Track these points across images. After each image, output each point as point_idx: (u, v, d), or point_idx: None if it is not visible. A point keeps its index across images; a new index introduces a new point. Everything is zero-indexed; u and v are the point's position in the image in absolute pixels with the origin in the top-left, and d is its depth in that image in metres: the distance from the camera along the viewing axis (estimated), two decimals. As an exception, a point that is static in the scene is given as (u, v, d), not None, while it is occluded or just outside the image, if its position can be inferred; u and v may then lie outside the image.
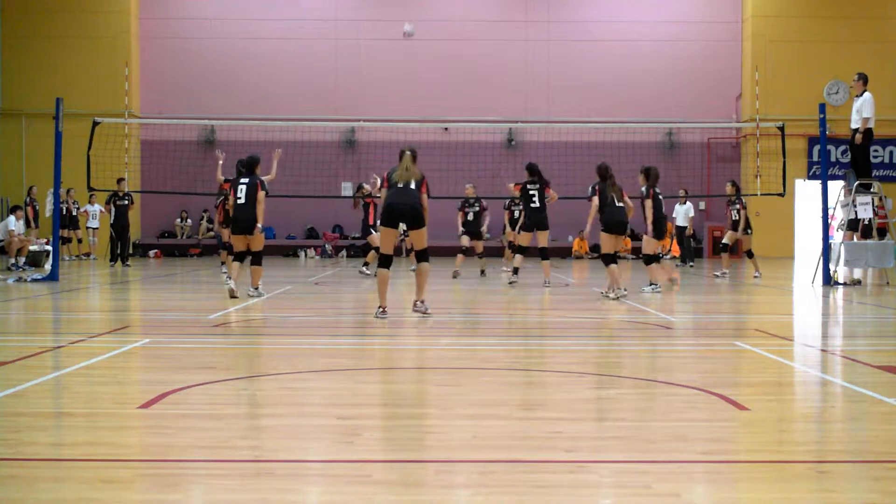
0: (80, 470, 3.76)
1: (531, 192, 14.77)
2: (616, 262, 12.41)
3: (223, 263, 16.49)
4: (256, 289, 12.07)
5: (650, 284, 13.09)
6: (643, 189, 13.36)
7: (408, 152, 9.90)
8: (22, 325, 9.36)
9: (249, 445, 4.16)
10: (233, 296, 11.68)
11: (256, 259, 12.09)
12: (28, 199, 22.73)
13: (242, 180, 12.08)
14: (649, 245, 13.38)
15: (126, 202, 21.07)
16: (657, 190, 13.42)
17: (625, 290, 12.33)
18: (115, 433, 4.43)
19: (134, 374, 6.29)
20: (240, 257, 12.10)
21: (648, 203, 13.22)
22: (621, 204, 12.48)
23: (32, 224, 21.92)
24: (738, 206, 17.33)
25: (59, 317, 9.98)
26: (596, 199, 12.48)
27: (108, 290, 14.27)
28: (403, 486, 3.58)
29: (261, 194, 11.92)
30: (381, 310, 9.56)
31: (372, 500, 3.39)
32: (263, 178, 12.29)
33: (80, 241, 24.52)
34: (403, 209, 9.58)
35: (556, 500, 3.41)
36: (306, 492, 3.55)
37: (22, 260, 18.61)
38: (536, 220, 14.66)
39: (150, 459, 3.98)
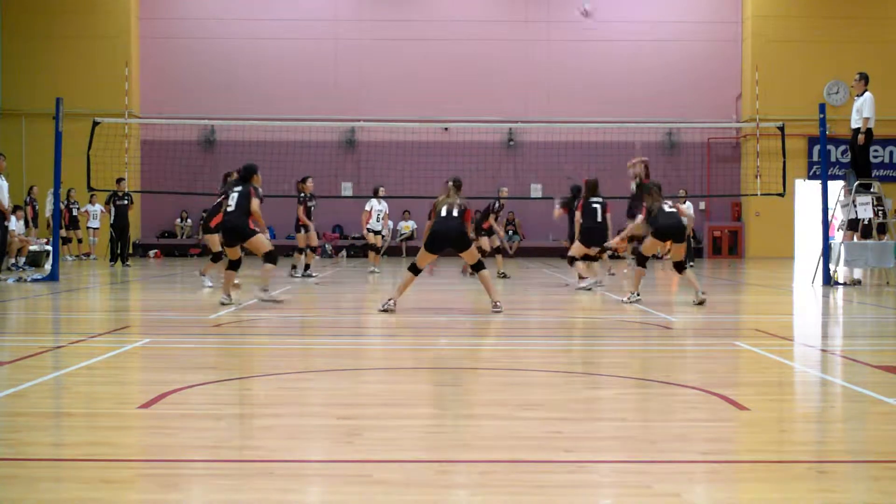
0: (80, 470, 3.76)
1: (594, 206, 14.24)
2: (645, 266, 11.84)
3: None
4: (266, 290, 11.24)
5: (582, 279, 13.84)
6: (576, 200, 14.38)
7: (450, 183, 10.83)
8: (22, 325, 9.36)
9: (249, 445, 4.16)
10: (224, 303, 10.94)
11: (270, 258, 11.27)
12: (28, 199, 22.74)
13: (236, 188, 11.47)
14: (577, 249, 14.09)
15: (126, 202, 21.11)
16: (591, 200, 14.11)
17: (637, 294, 11.68)
18: (115, 433, 4.43)
19: (134, 374, 6.29)
20: (234, 265, 11.35)
21: (577, 214, 14.19)
22: (673, 209, 11.76)
23: (31, 224, 21.93)
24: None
25: (59, 317, 9.99)
26: (640, 217, 11.98)
27: (108, 290, 14.27)
28: (403, 486, 3.58)
29: (254, 202, 11.22)
30: (390, 302, 10.21)
31: (372, 500, 3.39)
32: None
33: (80, 241, 24.53)
34: (447, 236, 10.49)
35: (556, 500, 3.41)
36: (306, 492, 3.55)
37: (22, 260, 18.61)
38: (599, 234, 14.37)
39: (150, 459, 3.98)
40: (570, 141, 25.80)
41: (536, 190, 28.15)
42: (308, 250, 17.31)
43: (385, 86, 28.38)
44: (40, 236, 21.92)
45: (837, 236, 16.18)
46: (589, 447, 4.19)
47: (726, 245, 28.61)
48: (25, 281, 14.84)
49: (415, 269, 10.56)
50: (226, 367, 6.46)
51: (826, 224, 15.66)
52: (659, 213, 11.70)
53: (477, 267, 10.69)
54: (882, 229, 16.07)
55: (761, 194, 20.39)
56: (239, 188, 11.46)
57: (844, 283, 14.82)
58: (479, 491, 3.52)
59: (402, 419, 4.73)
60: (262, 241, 11.43)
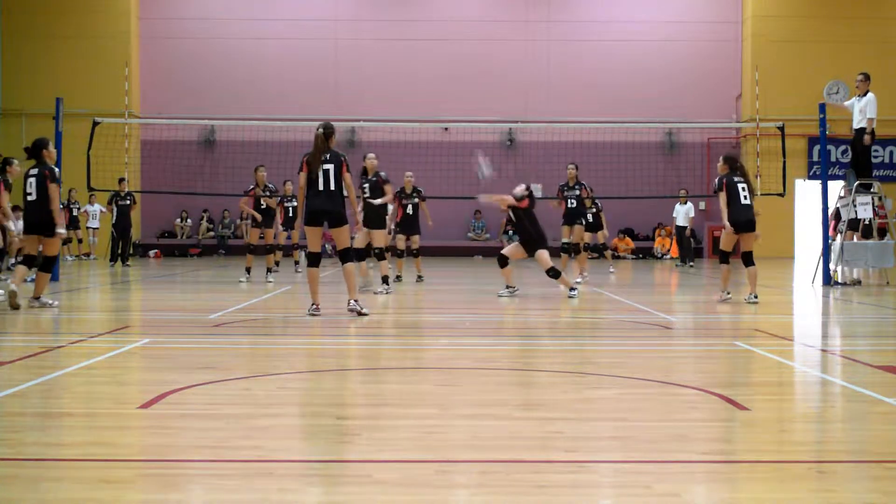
0: (80, 470, 3.76)
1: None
2: (728, 262, 11.93)
3: (269, 270, 15.80)
4: (38, 299, 10.29)
5: (507, 287, 12.66)
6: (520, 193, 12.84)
7: (319, 130, 9.61)
8: (22, 325, 9.36)
9: (249, 445, 4.16)
10: (14, 306, 10.09)
11: (47, 265, 10.43)
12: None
13: (31, 172, 10.37)
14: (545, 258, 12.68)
15: (128, 202, 21.15)
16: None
17: (728, 292, 11.87)
18: (115, 433, 4.43)
19: (134, 374, 6.29)
20: (29, 261, 10.63)
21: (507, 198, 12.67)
22: (748, 202, 11.66)
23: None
24: (577, 192, 15.62)
25: (59, 317, 9.98)
26: (723, 195, 11.61)
27: (108, 290, 14.27)
28: (403, 486, 3.58)
29: (52, 187, 10.24)
30: (314, 307, 9.65)
31: (372, 500, 3.39)
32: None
33: (80, 241, 24.53)
34: (323, 214, 9.60)
35: (556, 500, 3.41)
36: (306, 492, 3.55)
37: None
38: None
39: (150, 459, 3.98)
40: (570, 141, 25.79)
41: (536, 190, 28.13)
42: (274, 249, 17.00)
43: (385, 86, 28.38)
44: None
45: (837, 236, 16.17)
46: (589, 447, 4.19)
47: (726, 245, 28.57)
48: (25, 281, 14.83)
49: (314, 260, 9.80)
50: (226, 367, 6.46)
51: (826, 224, 15.67)
52: (738, 205, 11.56)
53: (344, 255, 9.77)
54: (868, 228, 16.04)
55: (761, 194, 20.32)
56: (35, 171, 10.38)
57: (844, 283, 14.82)
58: (479, 491, 3.53)
59: (401, 419, 4.73)
60: (57, 245, 10.58)
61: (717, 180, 11.81)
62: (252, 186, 15.68)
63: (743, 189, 11.60)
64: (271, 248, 16.01)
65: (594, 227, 18.31)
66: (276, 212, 15.97)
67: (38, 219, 10.36)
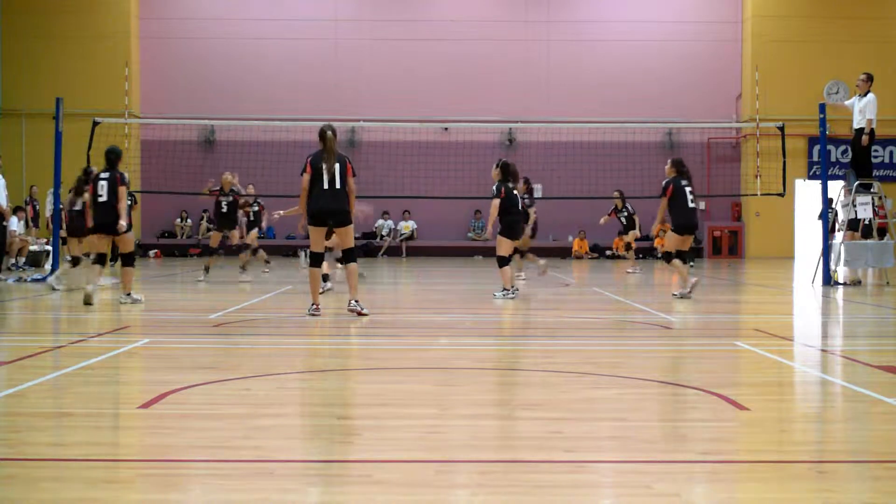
0: (80, 470, 3.76)
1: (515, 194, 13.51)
2: (684, 259, 12.21)
3: (242, 268, 16.29)
4: (129, 294, 11.05)
5: (503, 290, 12.09)
6: (494, 188, 12.26)
7: (329, 132, 9.59)
8: (22, 325, 9.36)
9: (250, 445, 4.16)
10: (88, 302, 10.57)
11: (127, 260, 11.26)
12: (28, 199, 22.73)
13: (103, 175, 11.23)
14: (502, 246, 12.24)
15: (129, 202, 21.11)
16: (510, 186, 12.28)
17: (689, 289, 11.95)
18: (115, 433, 4.43)
19: (134, 374, 6.29)
20: (100, 259, 11.43)
21: (495, 202, 12.09)
22: (694, 205, 12.07)
23: (32, 224, 21.93)
24: (625, 213, 19.61)
25: (59, 317, 9.98)
26: (665, 200, 12.06)
27: (108, 290, 14.27)
28: (403, 486, 3.58)
29: (121, 189, 11.10)
30: (314, 307, 9.66)
31: (372, 500, 3.39)
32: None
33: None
34: (329, 213, 9.60)
35: (556, 500, 3.41)
36: (306, 492, 3.55)
37: (22, 260, 18.61)
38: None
39: (150, 459, 3.98)
40: (570, 141, 25.81)
41: (537, 190, 28.15)
42: (247, 250, 17.02)
43: (385, 86, 28.38)
44: (40, 236, 21.91)
45: (837, 236, 16.18)
46: (589, 447, 4.19)
47: (726, 245, 28.61)
48: (25, 281, 14.85)
49: (316, 260, 9.73)
50: (226, 367, 6.46)
51: (826, 224, 15.66)
52: (685, 208, 11.95)
53: (347, 255, 9.83)
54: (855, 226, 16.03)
55: (761, 194, 20.38)
56: (106, 175, 11.19)
57: (844, 283, 14.82)
58: (479, 491, 3.52)
59: (402, 419, 4.72)
60: (131, 241, 11.36)
61: (663, 183, 12.20)
62: (217, 188, 16.20)
63: (690, 193, 12.06)
64: (238, 248, 16.48)
65: (628, 228, 19.80)
66: (238, 214, 16.50)
67: (109, 219, 11.11)
